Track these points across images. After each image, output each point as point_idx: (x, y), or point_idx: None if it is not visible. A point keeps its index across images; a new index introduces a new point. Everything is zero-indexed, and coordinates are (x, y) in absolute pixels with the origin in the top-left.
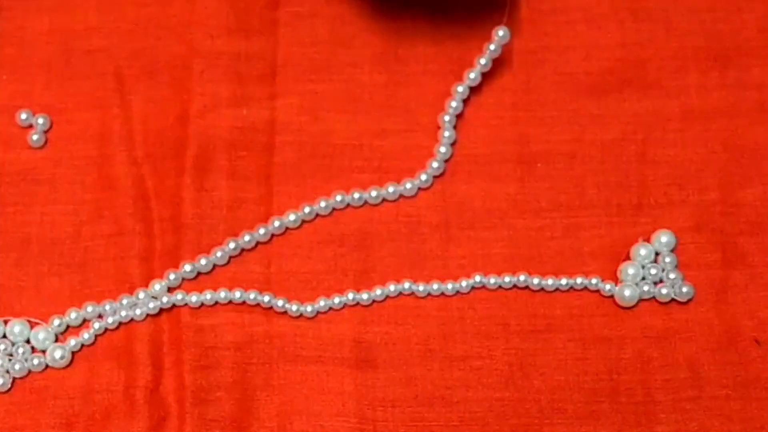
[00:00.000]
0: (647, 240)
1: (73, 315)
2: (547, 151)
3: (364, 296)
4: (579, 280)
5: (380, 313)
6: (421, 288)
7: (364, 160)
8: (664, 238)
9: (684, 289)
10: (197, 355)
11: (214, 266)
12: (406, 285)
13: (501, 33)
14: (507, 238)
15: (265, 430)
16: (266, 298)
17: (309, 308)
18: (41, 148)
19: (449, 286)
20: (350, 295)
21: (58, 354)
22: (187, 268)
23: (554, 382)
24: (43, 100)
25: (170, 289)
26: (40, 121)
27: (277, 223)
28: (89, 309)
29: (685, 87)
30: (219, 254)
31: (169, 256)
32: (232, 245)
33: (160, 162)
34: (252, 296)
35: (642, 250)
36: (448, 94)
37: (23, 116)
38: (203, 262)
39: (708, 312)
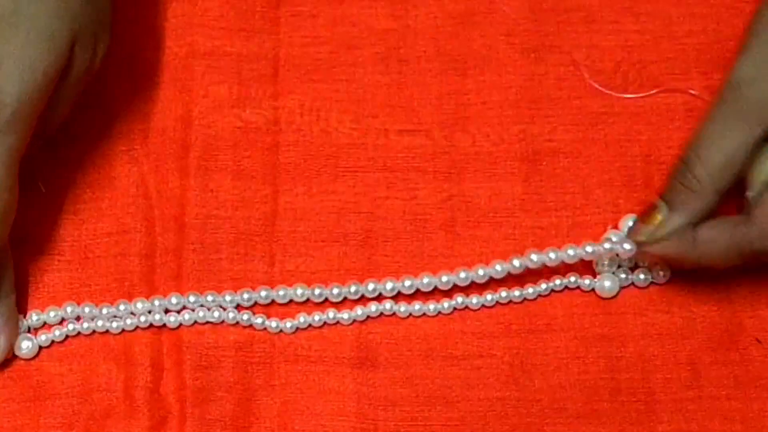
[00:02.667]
0: (615, 227)
1: (52, 313)
2: (552, 149)
3: (345, 316)
4: (558, 282)
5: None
6: (417, 307)
7: (369, 159)
8: (630, 223)
9: (661, 273)
10: (197, 354)
11: (220, 306)
12: (402, 308)
13: (630, 223)
14: (512, 236)
15: (265, 429)
16: (245, 317)
17: (288, 324)
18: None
19: (445, 304)
20: (330, 313)
21: (24, 344)
22: (191, 298)
23: (555, 381)
24: None
25: (167, 310)
26: None
27: (282, 292)
28: (68, 309)
29: (687, 87)
30: (228, 298)
31: (171, 254)
32: (246, 296)
33: (162, 162)
34: (231, 315)
35: (613, 238)
36: (450, 94)
37: None
38: (210, 298)
39: (709, 311)
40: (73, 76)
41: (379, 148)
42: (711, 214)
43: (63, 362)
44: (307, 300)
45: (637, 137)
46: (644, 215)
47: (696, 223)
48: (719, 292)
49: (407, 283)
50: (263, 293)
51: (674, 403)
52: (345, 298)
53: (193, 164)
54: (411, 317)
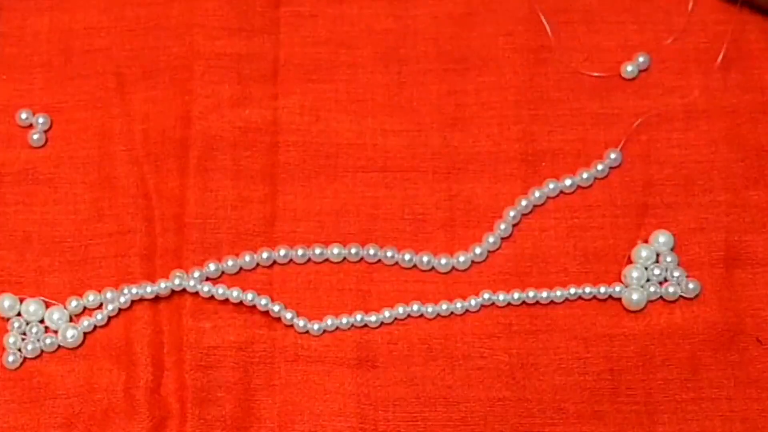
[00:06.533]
0: (646, 241)
1: (91, 297)
2: (552, 150)
3: (372, 318)
4: (588, 290)
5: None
6: (429, 309)
7: (368, 159)
8: (662, 239)
9: (690, 286)
10: (198, 355)
11: (222, 273)
12: (415, 307)
13: (613, 156)
14: (512, 236)
15: (266, 430)
16: (276, 308)
17: (316, 326)
18: (41, 147)
19: (458, 305)
20: (358, 317)
21: (70, 333)
22: (196, 274)
23: (555, 382)
24: (43, 100)
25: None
26: (41, 120)
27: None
28: (108, 295)
29: (688, 88)
30: (230, 263)
31: (171, 254)
32: (247, 258)
33: (162, 162)
34: (263, 302)
35: (643, 252)
36: (450, 94)
37: (23, 116)
38: (212, 267)
39: (710, 312)
40: None
41: (379, 148)
42: None
43: (63, 362)
44: (308, 260)
45: (636, 138)
46: None
47: None
48: (720, 292)
49: (407, 256)
50: (264, 255)
51: (674, 403)
52: (344, 259)
53: (193, 164)
54: (410, 318)
